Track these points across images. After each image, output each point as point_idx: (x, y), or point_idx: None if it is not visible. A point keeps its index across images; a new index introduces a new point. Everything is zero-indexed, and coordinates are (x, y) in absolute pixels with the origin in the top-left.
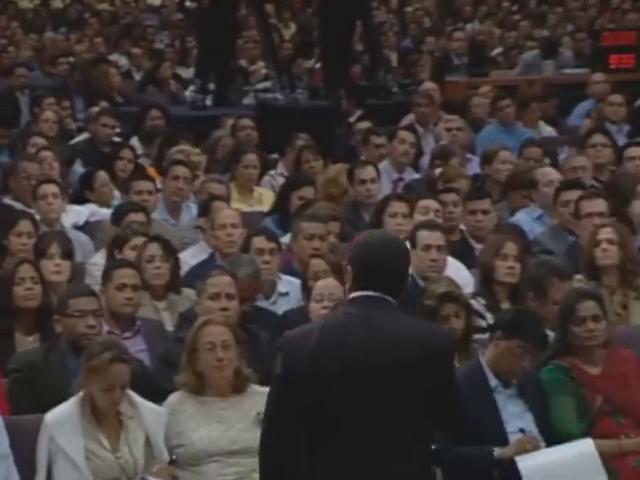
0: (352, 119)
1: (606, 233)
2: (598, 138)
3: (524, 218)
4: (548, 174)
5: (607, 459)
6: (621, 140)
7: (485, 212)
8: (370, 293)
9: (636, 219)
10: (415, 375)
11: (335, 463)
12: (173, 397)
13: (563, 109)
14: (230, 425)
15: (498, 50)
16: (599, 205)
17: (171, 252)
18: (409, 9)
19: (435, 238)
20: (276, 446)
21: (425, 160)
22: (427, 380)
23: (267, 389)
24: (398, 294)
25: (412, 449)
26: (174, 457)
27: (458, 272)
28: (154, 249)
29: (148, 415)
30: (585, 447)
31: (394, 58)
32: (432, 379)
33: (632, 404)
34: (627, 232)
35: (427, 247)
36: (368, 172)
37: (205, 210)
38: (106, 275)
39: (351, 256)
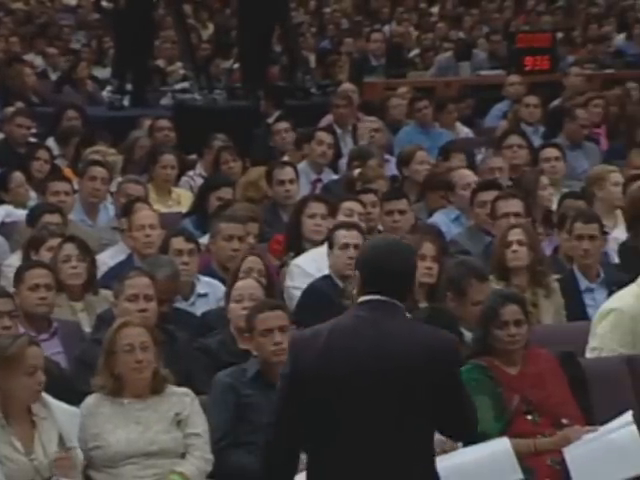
0: (271, 120)
1: (515, 234)
2: (514, 139)
3: (442, 219)
4: (465, 177)
5: (523, 458)
6: (537, 141)
7: (402, 212)
8: (379, 297)
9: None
10: (422, 379)
11: (340, 465)
12: (90, 399)
13: (479, 110)
14: (148, 426)
15: (415, 51)
16: (515, 205)
17: (87, 252)
18: (327, 10)
19: (352, 237)
20: (280, 443)
21: (343, 161)
22: (434, 384)
23: (185, 390)
24: (405, 298)
25: (418, 451)
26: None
27: None
28: (70, 249)
29: (61, 416)
30: (501, 446)
31: (312, 59)
32: (439, 383)
33: (547, 403)
34: (536, 233)
35: (345, 246)
36: (287, 173)
37: (125, 211)
38: (18, 277)
39: (359, 260)
